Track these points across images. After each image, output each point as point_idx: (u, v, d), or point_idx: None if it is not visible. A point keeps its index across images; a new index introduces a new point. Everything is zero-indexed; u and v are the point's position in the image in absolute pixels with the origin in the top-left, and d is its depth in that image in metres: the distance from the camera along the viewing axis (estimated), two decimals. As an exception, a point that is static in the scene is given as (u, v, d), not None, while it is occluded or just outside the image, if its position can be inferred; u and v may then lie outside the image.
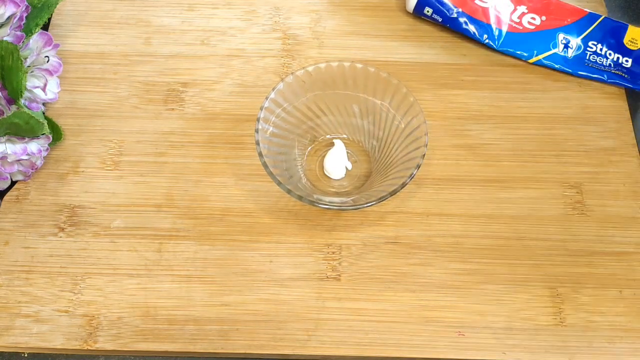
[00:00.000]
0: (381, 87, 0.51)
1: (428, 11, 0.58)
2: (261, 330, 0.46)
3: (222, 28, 0.60)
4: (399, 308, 0.47)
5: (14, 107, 0.49)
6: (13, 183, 0.51)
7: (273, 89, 0.49)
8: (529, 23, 0.57)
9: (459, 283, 0.48)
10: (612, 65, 0.56)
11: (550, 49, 0.57)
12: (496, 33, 0.57)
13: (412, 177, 0.46)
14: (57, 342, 0.45)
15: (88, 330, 0.46)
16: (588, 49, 0.57)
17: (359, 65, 0.50)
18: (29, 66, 0.52)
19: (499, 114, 0.55)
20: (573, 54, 0.57)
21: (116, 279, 0.48)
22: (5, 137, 0.49)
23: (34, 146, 0.50)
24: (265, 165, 0.46)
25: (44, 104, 0.54)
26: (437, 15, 0.58)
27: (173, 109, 0.55)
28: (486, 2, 0.58)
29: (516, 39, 0.57)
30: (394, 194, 0.46)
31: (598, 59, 0.57)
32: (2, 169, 0.49)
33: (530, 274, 0.48)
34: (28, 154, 0.49)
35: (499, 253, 0.49)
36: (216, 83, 0.56)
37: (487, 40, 0.58)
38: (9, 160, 0.49)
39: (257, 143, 0.47)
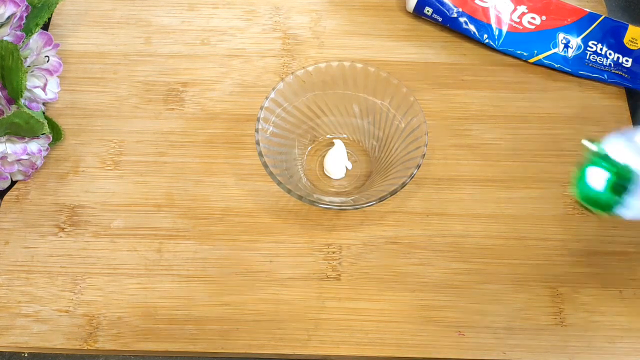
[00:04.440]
0: (381, 87, 0.51)
1: (428, 11, 0.58)
2: (261, 330, 0.46)
3: (222, 28, 0.60)
4: (399, 308, 0.47)
5: (14, 107, 0.49)
6: (13, 183, 0.51)
7: (273, 89, 0.49)
8: (529, 23, 0.57)
9: (459, 283, 0.48)
10: (612, 65, 0.56)
11: (551, 49, 0.57)
12: (496, 33, 0.57)
13: (412, 177, 0.46)
14: (57, 341, 0.45)
15: (88, 330, 0.46)
16: (588, 48, 0.57)
17: (359, 65, 0.50)
18: (29, 66, 0.52)
19: (499, 114, 0.55)
20: (573, 54, 0.57)
21: (116, 279, 0.48)
22: (6, 137, 0.49)
23: (34, 146, 0.50)
24: (265, 165, 0.46)
25: (44, 103, 0.54)
26: (437, 15, 0.58)
27: (173, 108, 0.55)
28: (486, 2, 0.57)
29: (516, 39, 0.57)
30: (394, 194, 0.46)
31: (598, 59, 0.56)
32: (2, 168, 0.49)
33: (531, 274, 0.48)
34: (28, 154, 0.49)
35: (499, 253, 0.49)
36: (216, 83, 0.56)
37: (487, 40, 0.58)
38: (9, 160, 0.49)
39: (257, 143, 0.47)
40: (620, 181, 0.33)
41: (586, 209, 0.36)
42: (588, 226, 0.50)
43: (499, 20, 0.57)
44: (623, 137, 0.34)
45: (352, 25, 0.60)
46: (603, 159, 0.34)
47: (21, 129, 0.48)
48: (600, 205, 0.35)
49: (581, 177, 0.35)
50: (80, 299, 0.47)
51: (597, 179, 0.34)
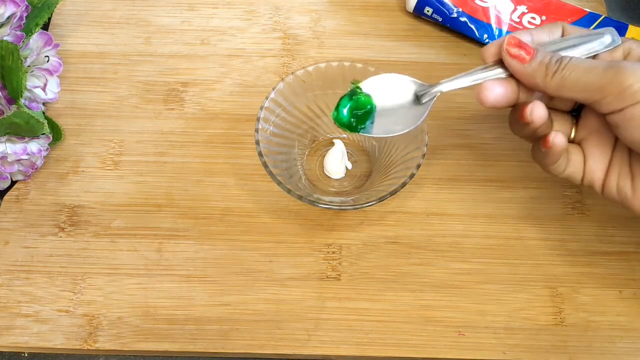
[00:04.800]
0: (381, 87, 0.51)
1: (428, 11, 0.58)
2: (261, 330, 0.46)
3: (222, 28, 0.60)
4: (399, 308, 0.47)
5: (14, 107, 0.49)
6: (13, 183, 0.51)
7: (273, 89, 0.49)
8: (529, 23, 0.57)
9: (459, 283, 0.48)
10: (612, 65, 0.56)
11: (551, 49, 0.57)
12: (496, 33, 0.57)
13: (412, 177, 0.46)
14: (57, 341, 0.45)
15: (88, 330, 0.46)
16: (588, 48, 0.57)
17: (359, 65, 0.50)
18: (29, 66, 0.52)
19: (499, 114, 0.55)
20: (573, 54, 0.57)
21: (116, 279, 0.48)
22: (6, 137, 0.49)
23: (34, 146, 0.50)
24: (265, 165, 0.46)
25: (44, 103, 0.54)
26: (437, 15, 0.58)
27: (173, 108, 0.55)
28: (486, 2, 0.58)
29: (516, 39, 0.57)
30: (394, 194, 0.46)
31: (598, 59, 0.56)
32: (2, 168, 0.49)
33: (530, 274, 0.48)
34: (28, 154, 0.49)
35: (499, 253, 0.49)
36: (216, 83, 0.56)
37: (487, 40, 0.58)
38: (9, 160, 0.49)
39: (257, 143, 0.47)
40: (361, 108, 0.43)
41: (341, 128, 0.44)
42: (588, 226, 0.50)
43: (499, 20, 0.58)
44: (379, 78, 0.44)
45: (352, 25, 0.60)
46: (356, 92, 0.43)
47: (21, 129, 0.48)
48: (347, 126, 0.43)
49: (338, 104, 0.44)
50: (80, 299, 0.47)
51: (347, 106, 0.43)
